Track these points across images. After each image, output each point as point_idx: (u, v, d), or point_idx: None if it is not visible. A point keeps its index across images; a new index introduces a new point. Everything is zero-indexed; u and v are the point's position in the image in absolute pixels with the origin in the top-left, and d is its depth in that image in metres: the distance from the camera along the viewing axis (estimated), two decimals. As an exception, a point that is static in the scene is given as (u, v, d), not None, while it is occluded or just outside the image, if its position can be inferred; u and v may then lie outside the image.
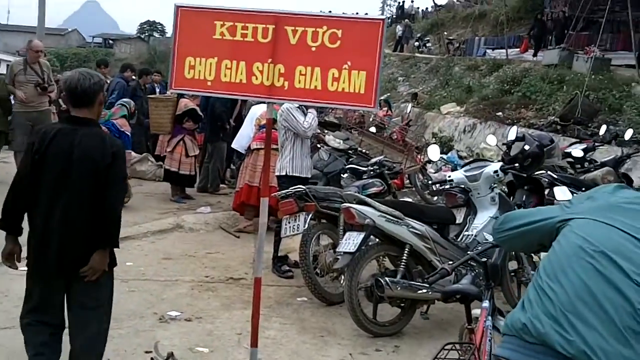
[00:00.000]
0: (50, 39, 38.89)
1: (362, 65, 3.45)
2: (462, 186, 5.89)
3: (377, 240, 5.26)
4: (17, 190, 3.40)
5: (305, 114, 6.41)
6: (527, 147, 6.14)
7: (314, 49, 3.50)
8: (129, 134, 8.42)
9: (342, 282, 5.75)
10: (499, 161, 6.50)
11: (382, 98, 15.06)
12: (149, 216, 8.24)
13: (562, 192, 5.49)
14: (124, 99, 9.18)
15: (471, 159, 7.04)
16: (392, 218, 5.07)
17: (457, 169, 11.82)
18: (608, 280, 1.81)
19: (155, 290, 5.62)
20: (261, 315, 5.16)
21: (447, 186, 5.99)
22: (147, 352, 4.35)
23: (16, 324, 4.54)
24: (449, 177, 5.99)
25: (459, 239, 5.66)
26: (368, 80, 3.41)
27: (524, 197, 6.74)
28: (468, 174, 5.86)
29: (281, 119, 6.32)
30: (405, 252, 5.07)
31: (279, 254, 6.34)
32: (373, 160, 7.45)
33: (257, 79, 3.53)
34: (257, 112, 8.37)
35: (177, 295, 5.56)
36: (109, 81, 11.88)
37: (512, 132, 6.55)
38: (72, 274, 3.42)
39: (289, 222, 5.78)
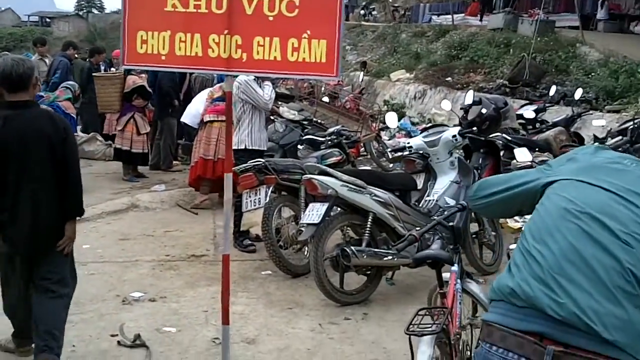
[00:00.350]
0: (-18, 18, 37.33)
1: (322, 34, 3.36)
2: (421, 152, 5.90)
3: (341, 210, 5.23)
4: None
5: (260, 87, 6.29)
6: (484, 111, 6.20)
7: (271, 18, 3.39)
8: (74, 116, 8.15)
9: (306, 253, 5.74)
10: (455, 125, 6.54)
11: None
12: (102, 197, 8.01)
13: (522, 153, 5.56)
14: (69, 82, 8.83)
15: (429, 125, 7.05)
16: (354, 187, 5.04)
17: (410, 136, 11.95)
18: (596, 240, 1.80)
19: (115, 272, 5.49)
20: (221, 291, 5.17)
21: (406, 152, 6.00)
22: (112, 335, 4.25)
23: None
24: (408, 143, 5.99)
25: (420, 205, 5.69)
26: (329, 49, 3.33)
27: (480, 159, 6.82)
28: (427, 139, 5.88)
29: (238, 92, 6.19)
30: (369, 220, 5.06)
31: (240, 229, 6.26)
32: (330, 130, 7.40)
33: (213, 51, 3.40)
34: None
35: (139, 275, 5.44)
36: (47, 61, 11.42)
37: (469, 96, 6.59)
38: (43, 250, 3.70)
39: (250, 196, 5.70)
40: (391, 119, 6.47)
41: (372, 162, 10.09)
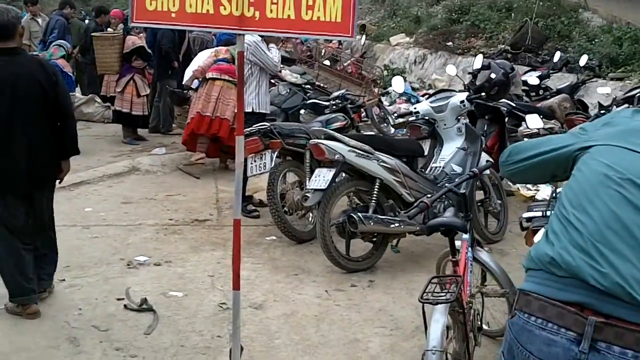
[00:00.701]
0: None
1: (338, -9, 3.25)
2: (427, 118, 5.82)
3: (347, 175, 5.17)
4: None
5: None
6: (493, 76, 6.10)
7: (285, -26, 3.27)
8: (71, 75, 7.99)
9: (310, 219, 5.70)
10: (461, 91, 6.45)
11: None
12: (103, 159, 7.95)
13: (533, 120, 5.48)
14: (60, 40, 8.64)
15: (436, 90, 6.94)
16: (362, 153, 4.97)
17: (411, 102, 11.84)
18: (638, 208, 1.74)
19: (119, 236, 5.44)
20: (232, 256, 5.12)
21: (413, 118, 5.92)
22: (119, 299, 4.22)
23: None
24: (415, 108, 5.91)
25: (426, 172, 5.63)
26: (345, 8, 3.21)
27: (485, 126, 6.76)
28: (434, 105, 5.79)
29: (247, 53, 6.07)
30: (376, 186, 5.00)
31: (245, 194, 6.20)
32: (335, 94, 7.28)
33: (225, 9, 3.27)
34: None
35: (143, 239, 5.40)
36: (40, 20, 11.15)
37: (478, 61, 6.48)
38: (39, 187, 3.96)
39: (255, 161, 5.64)
40: (398, 84, 6.37)
41: (373, 128, 10.00)
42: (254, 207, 6.26)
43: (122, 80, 8.72)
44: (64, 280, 4.45)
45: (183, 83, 8.48)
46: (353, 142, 5.00)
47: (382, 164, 5.03)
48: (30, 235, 3.97)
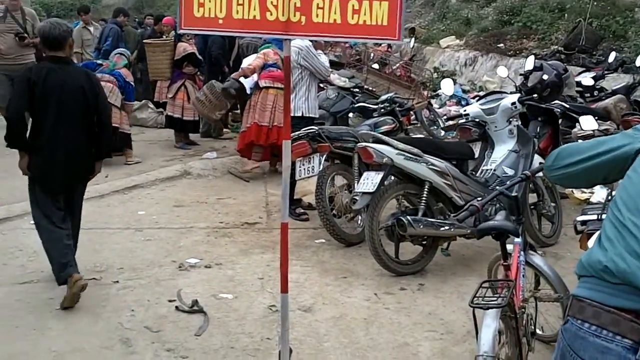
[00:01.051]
0: (34, -13, 37.78)
1: (384, -6, 3.24)
2: (478, 120, 5.75)
3: (396, 178, 5.14)
4: (16, 119, 4.10)
5: None
6: (545, 77, 5.97)
7: (330, -21, 3.28)
8: (132, 84, 8.15)
9: (359, 222, 5.69)
10: (512, 93, 6.34)
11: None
12: (155, 164, 8.11)
13: (588, 121, 5.34)
14: (121, 49, 8.79)
15: (486, 92, 6.84)
16: (410, 156, 4.94)
17: (461, 104, 11.70)
18: None
19: (170, 239, 5.53)
20: (280, 259, 5.15)
21: (463, 120, 5.85)
22: (170, 300, 4.28)
23: (34, 278, 4.52)
24: (465, 111, 5.83)
25: (477, 174, 5.55)
26: (391, 10, 3.19)
27: (538, 128, 6.61)
28: (484, 107, 5.71)
29: (298, 58, 6.12)
30: (425, 189, 4.96)
31: (293, 197, 6.23)
32: (383, 97, 7.26)
33: (271, 14, 3.30)
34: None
35: (194, 242, 5.47)
36: (91, 29, 11.43)
37: (530, 62, 6.35)
38: (75, 185, 4.40)
39: (303, 164, 5.66)
40: (447, 86, 6.30)
41: (423, 131, 9.93)
42: (302, 210, 6.29)
43: (174, 86, 8.87)
44: (117, 282, 4.55)
45: (231, 76, 8.42)
46: (401, 145, 4.97)
47: (431, 166, 4.98)
48: (67, 225, 4.34)
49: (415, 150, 4.98)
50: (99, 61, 8.34)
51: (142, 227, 5.75)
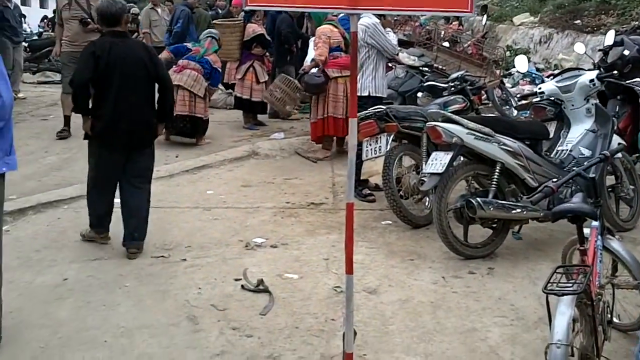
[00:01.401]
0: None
1: (456, -36, 3.09)
2: (553, 98, 5.51)
3: (465, 159, 4.99)
4: (80, 86, 4.50)
5: None
6: (626, 52, 5.66)
7: (399, -52, 3.14)
8: (219, 70, 8.19)
9: (427, 204, 5.57)
10: (590, 69, 6.04)
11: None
12: (224, 144, 8.18)
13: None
14: (212, 30, 8.77)
15: (560, 70, 6.54)
16: (481, 135, 4.77)
17: (535, 83, 11.29)
18: None
19: (237, 218, 5.56)
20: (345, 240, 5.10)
21: (537, 99, 5.62)
22: (236, 279, 4.30)
23: (105, 255, 4.64)
24: (539, 89, 5.60)
25: (551, 155, 5.33)
26: (463, -18, 3.06)
27: (617, 107, 6.31)
28: (560, 84, 5.46)
29: (365, 36, 6.00)
30: (497, 170, 4.79)
31: (360, 178, 6.16)
32: (453, 75, 7.04)
33: (338, -13, 3.22)
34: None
35: (260, 222, 5.49)
36: (159, 10, 11.54)
37: (610, 37, 6.04)
38: (137, 147, 4.66)
39: (370, 145, 5.58)
40: (521, 62, 6.07)
41: (494, 110, 9.64)
42: (369, 191, 6.21)
43: (242, 67, 8.91)
44: (185, 260, 4.61)
45: (306, 68, 8.29)
46: (472, 125, 4.81)
47: (503, 146, 4.81)
48: (116, 186, 4.73)
49: (487, 129, 4.81)
50: (189, 45, 8.39)
51: (210, 207, 5.81)
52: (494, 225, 4.89)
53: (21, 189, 5.99)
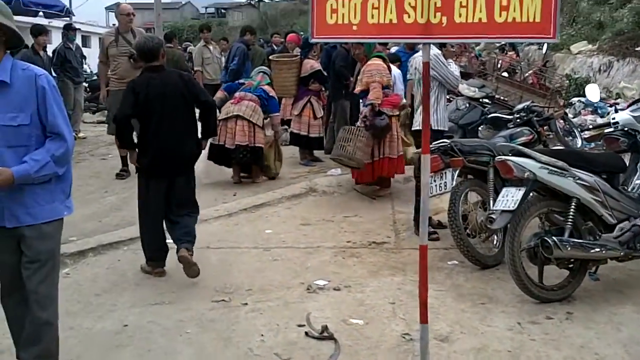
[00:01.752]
0: (166, 13, 39.78)
1: (537, -13, 2.91)
2: (627, 129, 5.20)
3: (537, 195, 4.72)
4: (122, 122, 4.85)
5: None
6: None
7: (474, -26, 2.99)
8: (275, 97, 8.16)
9: (495, 242, 5.31)
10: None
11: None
12: (281, 181, 8.08)
13: None
14: (262, 67, 8.78)
15: (637, 99, 6.22)
16: (555, 169, 4.50)
17: (597, 112, 10.89)
18: None
19: (298, 259, 5.40)
20: (412, 281, 4.87)
21: (610, 129, 5.32)
22: (299, 325, 4.10)
23: (166, 299, 4.53)
24: (613, 119, 5.30)
25: (629, 189, 5.00)
26: (545, 5, 2.87)
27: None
28: (636, 114, 5.17)
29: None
30: (572, 207, 4.50)
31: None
32: (519, 106, 6.78)
33: (409, 17, 3.07)
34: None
35: (321, 262, 5.31)
36: (211, 47, 11.57)
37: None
38: (179, 174, 4.94)
39: (435, 180, 5.35)
40: (592, 92, 5.80)
41: (556, 142, 9.29)
42: (432, 229, 5.96)
43: (299, 103, 8.84)
44: (246, 304, 4.45)
45: (365, 113, 7.83)
46: (545, 158, 4.55)
47: (579, 181, 4.53)
48: (165, 211, 4.95)
49: (561, 163, 4.55)
50: (241, 81, 8.41)
51: (269, 247, 5.67)
52: (571, 266, 4.58)
53: (81, 229, 5.99)
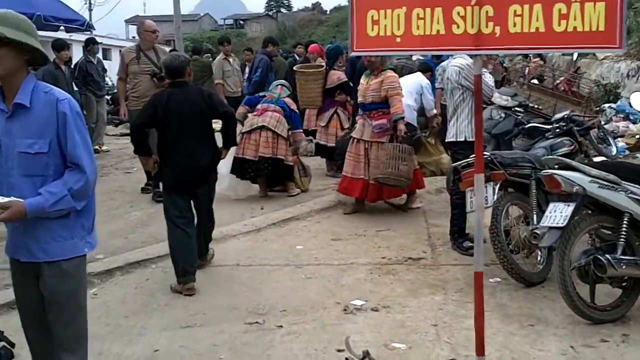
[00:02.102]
0: (185, 25, 39.96)
1: (599, -6, 2.69)
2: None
3: (587, 210, 4.47)
4: (135, 129, 5.03)
5: None
6: None
7: (530, -20, 2.78)
8: (297, 111, 7.98)
9: (538, 259, 5.06)
10: None
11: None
12: (308, 193, 7.88)
13: None
14: (281, 80, 8.61)
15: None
16: (606, 183, 4.27)
17: (630, 119, 10.57)
18: None
19: (332, 276, 5.19)
20: (454, 301, 4.65)
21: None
22: (339, 350, 3.88)
23: (197, 321, 4.33)
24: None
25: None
26: (609, 12, 2.66)
27: None
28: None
29: (459, 78, 5.61)
30: (625, 222, 4.25)
31: (465, 230, 5.69)
32: (558, 115, 6.52)
33: (458, 27, 2.88)
34: (409, 82, 7.74)
35: (356, 280, 5.09)
36: (231, 60, 11.40)
37: None
38: (200, 185, 5.10)
39: (474, 195, 5.10)
40: (638, 100, 5.50)
41: (591, 150, 9.00)
42: (471, 244, 5.71)
43: (326, 114, 8.68)
44: (281, 326, 4.24)
45: (405, 132, 6.88)
46: (595, 172, 4.31)
47: (631, 195, 4.28)
48: (191, 228, 5.04)
49: (612, 176, 4.30)
50: (262, 93, 8.26)
51: (301, 264, 5.46)
52: (624, 284, 4.33)
53: (108, 246, 5.82)
